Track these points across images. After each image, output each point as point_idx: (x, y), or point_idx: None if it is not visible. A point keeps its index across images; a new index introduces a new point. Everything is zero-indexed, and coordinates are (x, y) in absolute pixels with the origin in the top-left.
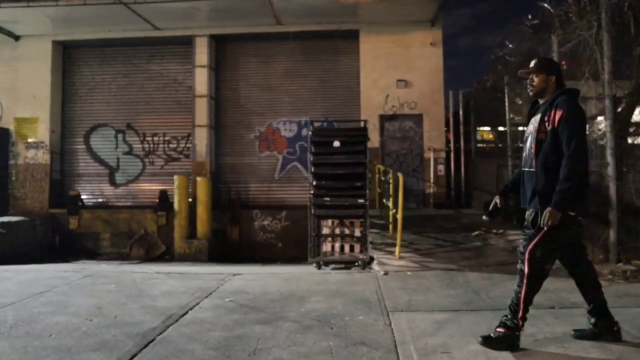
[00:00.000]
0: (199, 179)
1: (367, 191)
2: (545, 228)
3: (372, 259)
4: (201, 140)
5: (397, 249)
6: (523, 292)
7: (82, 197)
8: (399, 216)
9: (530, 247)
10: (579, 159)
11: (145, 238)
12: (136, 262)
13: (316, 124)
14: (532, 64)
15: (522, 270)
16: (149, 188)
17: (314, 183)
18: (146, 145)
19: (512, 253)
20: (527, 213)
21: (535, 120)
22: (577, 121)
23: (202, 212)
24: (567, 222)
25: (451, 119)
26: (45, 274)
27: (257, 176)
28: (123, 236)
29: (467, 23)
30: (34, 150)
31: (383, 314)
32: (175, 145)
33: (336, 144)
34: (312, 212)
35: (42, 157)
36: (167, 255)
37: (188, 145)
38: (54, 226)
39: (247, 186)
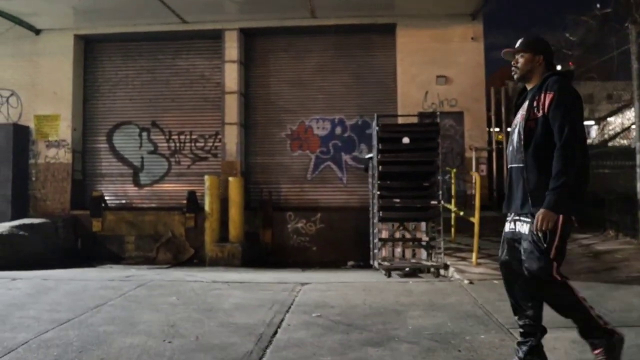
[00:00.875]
0: (231, 179)
1: (440, 192)
2: (540, 234)
3: (446, 265)
4: (231, 138)
5: (474, 255)
6: (574, 298)
7: (105, 198)
8: (476, 220)
9: (554, 268)
10: (574, 148)
11: (173, 241)
12: (166, 267)
13: (350, 122)
14: (517, 43)
15: (552, 284)
16: (175, 189)
17: (379, 183)
18: (172, 144)
19: (594, 259)
20: (518, 222)
21: (523, 108)
22: (572, 104)
23: (234, 214)
24: (567, 228)
25: (493, 117)
26: (92, 284)
27: (289, 176)
28: (149, 239)
29: (511, 14)
30: (55, 149)
31: (504, 332)
32: (202, 144)
33: (405, 140)
34: (377, 214)
35: (64, 156)
36: (196, 259)
37: (216, 144)
38: (76, 229)
39: (278, 187)
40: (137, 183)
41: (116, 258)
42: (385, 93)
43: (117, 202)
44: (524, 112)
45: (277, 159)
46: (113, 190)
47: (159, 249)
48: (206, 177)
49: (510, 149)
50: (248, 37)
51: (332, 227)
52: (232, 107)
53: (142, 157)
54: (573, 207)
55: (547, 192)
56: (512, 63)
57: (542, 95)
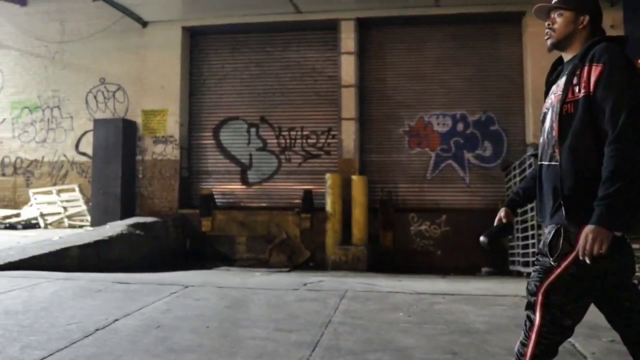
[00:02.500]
0: (354, 177)
1: None
2: (587, 260)
3: None
4: (348, 134)
5: None
6: (529, 354)
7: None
8: None
9: (545, 285)
10: (633, 141)
11: (287, 243)
12: (286, 270)
13: (473, 118)
14: None
15: (529, 319)
16: (285, 187)
17: None
18: (282, 141)
19: None
20: (546, 231)
21: (558, 87)
22: (629, 82)
23: (358, 214)
24: (609, 247)
25: None
26: (278, 293)
27: (407, 175)
28: (261, 240)
29: None
30: (162, 145)
31: None
32: (314, 141)
33: None
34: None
35: (172, 152)
36: (312, 263)
37: (329, 140)
38: (184, 228)
39: (396, 186)
40: (245, 181)
41: (226, 259)
42: (510, 87)
43: (224, 200)
44: (560, 92)
45: (394, 156)
46: (220, 189)
47: (272, 251)
48: (328, 176)
49: (541, 140)
50: (363, 27)
51: (458, 230)
52: (349, 102)
53: (251, 154)
54: (626, 221)
55: (595, 202)
56: (547, 24)
57: (586, 68)
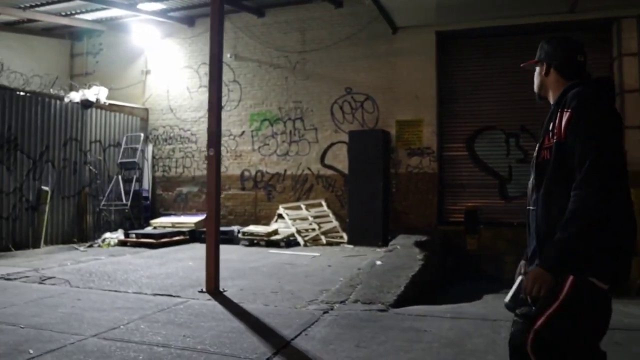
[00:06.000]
0: None
1: None
2: (529, 299)
3: None
4: (634, 144)
5: None
6: None
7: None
8: None
9: (538, 323)
10: (597, 186)
11: None
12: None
13: None
14: None
15: None
16: None
17: None
18: None
19: None
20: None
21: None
22: (597, 125)
23: None
24: (584, 293)
25: None
26: None
27: None
28: None
29: None
30: (417, 157)
31: None
32: None
33: None
34: None
35: (429, 165)
36: None
37: None
38: (445, 246)
39: None
40: (504, 195)
41: (493, 279)
42: None
43: (482, 216)
44: (541, 140)
45: None
46: (476, 203)
47: None
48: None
49: (528, 186)
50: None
51: None
52: (632, 108)
53: (510, 167)
54: (592, 266)
55: (547, 245)
56: None
57: (559, 114)
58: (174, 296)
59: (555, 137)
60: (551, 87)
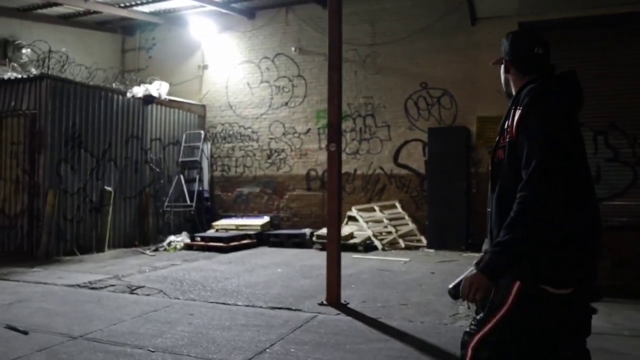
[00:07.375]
0: None
1: None
2: (465, 302)
3: None
4: None
5: None
6: None
7: None
8: None
9: (476, 339)
10: (539, 190)
11: None
12: None
13: None
14: None
15: None
16: None
17: None
18: (638, 150)
19: None
20: None
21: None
22: (546, 121)
23: None
24: (532, 300)
25: None
26: None
27: None
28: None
29: None
30: None
31: None
32: None
33: None
34: None
35: None
36: None
37: None
38: None
39: None
40: None
41: None
42: None
43: None
44: (497, 138)
45: None
46: None
47: None
48: None
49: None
50: None
51: None
52: None
53: (599, 166)
54: (539, 272)
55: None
56: None
57: (512, 112)
58: (294, 309)
59: (508, 136)
60: (513, 83)
